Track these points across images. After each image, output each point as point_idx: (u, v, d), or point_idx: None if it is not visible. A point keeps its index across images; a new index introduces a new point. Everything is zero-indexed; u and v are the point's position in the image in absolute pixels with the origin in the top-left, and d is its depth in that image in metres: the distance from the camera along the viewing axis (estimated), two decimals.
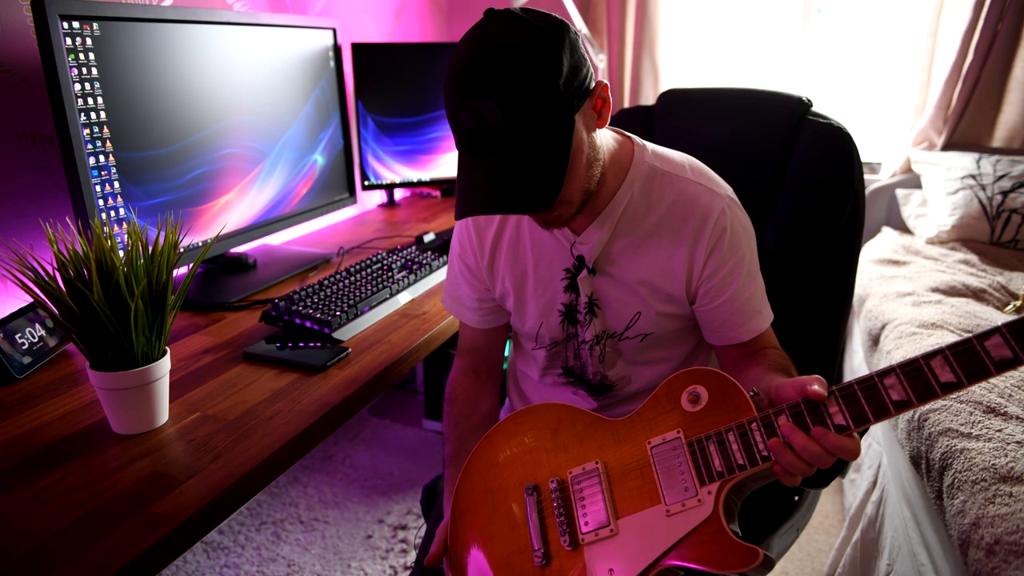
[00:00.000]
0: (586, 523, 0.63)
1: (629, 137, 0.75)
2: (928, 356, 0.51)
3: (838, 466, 0.74)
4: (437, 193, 1.86)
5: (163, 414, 0.69)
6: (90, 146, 0.83)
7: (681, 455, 0.62)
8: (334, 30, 1.28)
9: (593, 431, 0.70)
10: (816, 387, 0.55)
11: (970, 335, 0.50)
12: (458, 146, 0.61)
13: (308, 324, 0.90)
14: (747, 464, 0.58)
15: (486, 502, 0.70)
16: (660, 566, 0.58)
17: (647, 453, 0.65)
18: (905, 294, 1.37)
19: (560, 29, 0.60)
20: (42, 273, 0.60)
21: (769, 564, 0.55)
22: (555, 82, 0.58)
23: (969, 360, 0.49)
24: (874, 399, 0.53)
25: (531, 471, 0.69)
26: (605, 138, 0.69)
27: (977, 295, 1.40)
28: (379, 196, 1.80)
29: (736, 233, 0.71)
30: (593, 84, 0.63)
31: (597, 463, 0.67)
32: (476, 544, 0.69)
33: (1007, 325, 0.48)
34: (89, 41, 0.83)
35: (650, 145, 0.75)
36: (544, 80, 0.58)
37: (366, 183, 1.58)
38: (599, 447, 0.69)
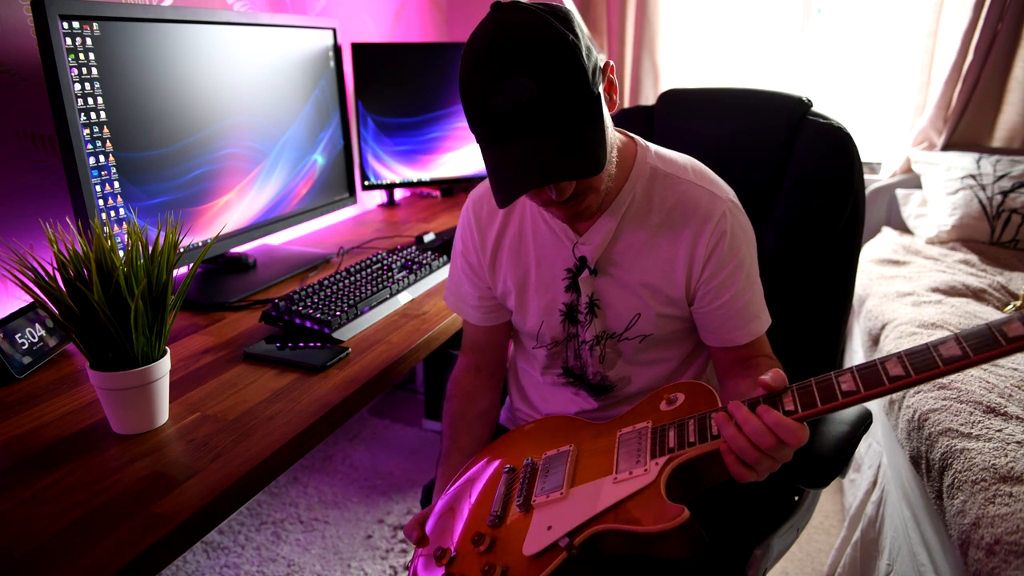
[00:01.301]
0: (541, 489, 0.66)
1: (632, 138, 0.76)
2: (884, 359, 0.52)
3: (836, 468, 0.74)
4: (437, 193, 1.86)
5: (163, 414, 0.69)
6: (90, 146, 0.83)
7: (644, 438, 0.65)
8: (334, 30, 1.28)
9: (579, 428, 0.74)
10: (766, 377, 0.57)
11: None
12: (486, 137, 0.61)
13: (308, 324, 0.90)
14: (697, 441, 0.60)
15: (468, 486, 0.73)
16: (594, 527, 0.60)
17: (615, 439, 0.68)
18: (905, 294, 1.37)
19: (568, 11, 0.61)
20: (42, 273, 0.60)
21: (690, 528, 0.56)
22: (579, 55, 0.59)
23: (920, 358, 0.50)
24: (825, 389, 0.54)
25: (513, 458, 0.72)
26: (613, 133, 0.70)
27: (977, 295, 1.40)
28: (379, 196, 1.79)
29: (736, 236, 0.72)
30: (602, 63, 0.64)
31: (571, 447, 0.71)
32: (452, 517, 0.71)
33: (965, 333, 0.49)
34: (89, 41, 0.83)
35: (652, 146, 0.75)
36: (570, 52, 0.58)
37: (366, 183, 1.58)
38: (579, 438, 0.72)
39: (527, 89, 0.58)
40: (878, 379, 0.52)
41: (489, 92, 0.60)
